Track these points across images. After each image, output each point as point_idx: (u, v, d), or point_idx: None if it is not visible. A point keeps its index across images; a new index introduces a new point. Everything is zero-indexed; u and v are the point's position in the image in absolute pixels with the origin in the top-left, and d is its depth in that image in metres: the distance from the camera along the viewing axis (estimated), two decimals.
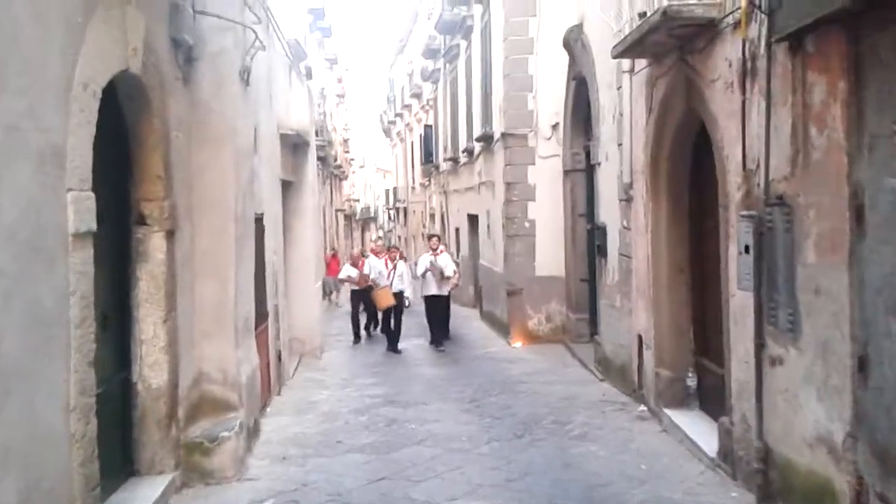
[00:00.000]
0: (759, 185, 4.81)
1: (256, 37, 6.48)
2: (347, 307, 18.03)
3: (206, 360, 5.85)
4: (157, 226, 5.07)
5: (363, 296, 13.18)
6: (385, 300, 12.17)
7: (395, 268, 12.51)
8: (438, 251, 12.27)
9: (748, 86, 4.93)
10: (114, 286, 4.89)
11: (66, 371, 3.53)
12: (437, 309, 12.21)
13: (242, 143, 6.42)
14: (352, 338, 13.34)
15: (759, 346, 4.85)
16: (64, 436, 3.50)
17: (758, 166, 4.81)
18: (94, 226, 3.78)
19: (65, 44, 3.58)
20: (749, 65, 4.90)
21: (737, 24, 4.95)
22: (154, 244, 5.07)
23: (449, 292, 12.40)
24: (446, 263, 12.17)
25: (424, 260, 12.26)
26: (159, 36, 5.06)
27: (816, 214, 4.16)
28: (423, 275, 12.05)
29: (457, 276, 12.53)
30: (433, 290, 12.10)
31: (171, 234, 5.20)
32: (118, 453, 4.86)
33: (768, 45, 4.56)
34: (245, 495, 5.27)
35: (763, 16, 4.56)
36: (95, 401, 3.94)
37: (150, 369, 5.06)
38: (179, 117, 5.50)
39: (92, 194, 3.79)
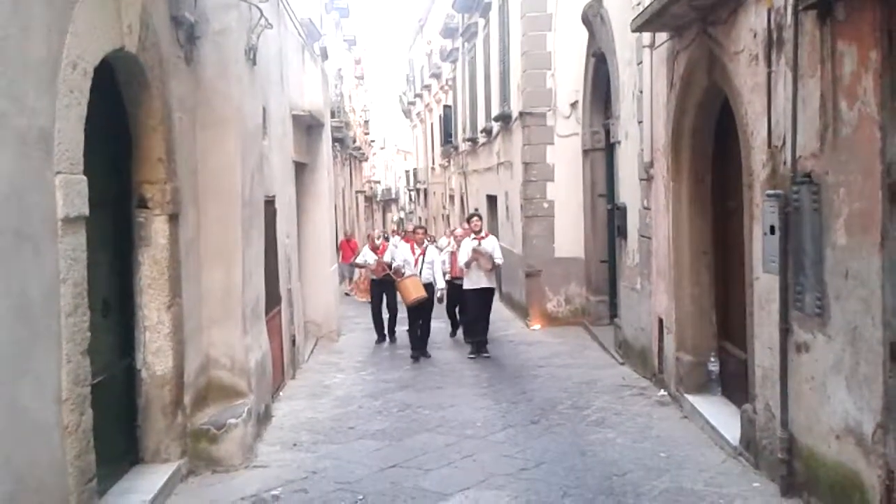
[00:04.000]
0: (785, 162, 4.59)
1: (262, 14, 6.30)
2: (353, 296, 17.65)
3: (214, 346, 5.76)
4: (159, 209, 4.95)
5: (384, 287, 11.00)
6: (414, 291, 9.75)
7: (423, 253, 10.21)
8: (483, 234, 10.01)
9: (774, 58, 4.68)
10: (116, 272, 4.79)
11: (58, 361, 3.41)
12: (482, 305, 9.88)
13: (249, 124, 6.27)
14: (375, 335, 11.42)
15: (785, 331, 4.65)
16: (55, 428, 3.39)
17: (784, 143, 4.59)
18: (85, 210, 3.64)
19: (50, 21, 3.41)
20: (775, 35, 4.66)
21: None
22: (156, 228, 4.95)
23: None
24: (494, 248, 9.85)
25: (468, 246, 9.77)
26: (158, 13, 4.89)
27: (847, 193, 3.94)
28: (468, 265, 9.70)
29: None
30: (480, 282, 9.74)
31: (174, 218, 5.08)
32: (122, 442, 4.79)
33: (795, 14, 4.33)
34: (252, 483, 5.17)
35: None
36: (97, 389, 3.85)
37: (155, 356, 4.97)
38: (182, 99, 5.35)
39: (83, 178, 3.65)
